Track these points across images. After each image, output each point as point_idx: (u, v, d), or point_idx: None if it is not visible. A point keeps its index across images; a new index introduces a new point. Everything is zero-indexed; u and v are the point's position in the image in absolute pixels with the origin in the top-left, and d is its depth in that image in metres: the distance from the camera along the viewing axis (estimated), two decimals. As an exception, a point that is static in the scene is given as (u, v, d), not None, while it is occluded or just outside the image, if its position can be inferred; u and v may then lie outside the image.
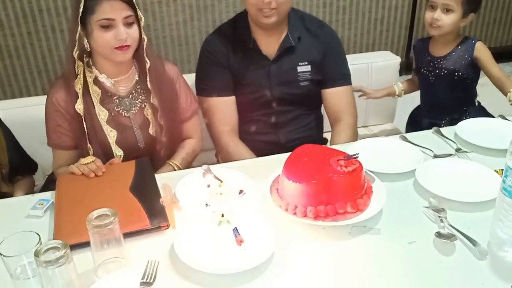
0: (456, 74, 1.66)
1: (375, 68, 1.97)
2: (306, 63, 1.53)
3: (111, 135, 1.32)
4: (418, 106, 1.89)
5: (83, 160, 1.20)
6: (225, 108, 1.53)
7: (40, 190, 1.42)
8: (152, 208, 1.04)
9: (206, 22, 3.00)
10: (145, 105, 1.36)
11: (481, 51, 1.64)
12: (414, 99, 1.95)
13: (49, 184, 1.42)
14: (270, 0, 1.36)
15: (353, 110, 1.60)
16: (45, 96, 1.32)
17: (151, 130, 1.36)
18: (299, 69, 1.53)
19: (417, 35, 3.45)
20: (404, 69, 3.28)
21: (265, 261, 0.89)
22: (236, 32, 1.52)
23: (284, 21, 1.48)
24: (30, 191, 1.41)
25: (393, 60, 2.02)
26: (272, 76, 1.52)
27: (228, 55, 1.51)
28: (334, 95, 1.58)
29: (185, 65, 3.08)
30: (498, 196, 0.90)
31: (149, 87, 1.32)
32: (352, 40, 3.35)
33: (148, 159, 1.28)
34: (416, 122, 1.86)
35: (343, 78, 1.59)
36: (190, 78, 1.56)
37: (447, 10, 1.60)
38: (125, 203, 1.06)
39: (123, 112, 1.33)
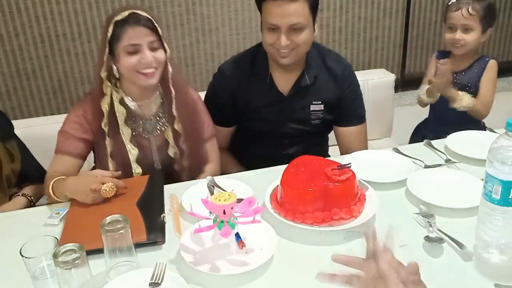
0: (467, 89, 1.67)
1: (370, 85, 2.03)
2: (320, 102, 1.49)
3: (133, 152, 1.35)
4: (425, 119, 1.90)
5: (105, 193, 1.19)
6: (219, 134, 1.53)
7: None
8: (152, 224, 1.09)
9: (211, 44, 3.13)
10: (166, 127, 1.39)
11: (489, 69, 1.66)
12: (412, 114, 2.00)
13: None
14: (287, 43, 1.33)
15: (364, 148, 1.58)
16: (58, 116, 1.40)
17: (170, 151, 1.39)
18: (312, 107, 1.50)
19: (411, 54, 3.55)
20: (400, 86, 3.38)
21: (265, 262, 0.95)
22: (254, 65, 1.50)
23: (302, 59, 1.44)
24: (37, 193, 1.44)
25: (388, 77, 2.09)
26: (284, 113, 1.50)
27: (240, 89, 1.49)
28: (347, 134, 1.56)
29: (191, 84, 3.19)
30: (480, 201, 0.96)
31: (174, 113, 1.37)
32: (348, 59, 3.39)
33: (161, 173, 1.33)
34: (420, 135, 1.85)
35: (358, 118, 1.56)
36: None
37: (467, 29, 1.62)
38: (129, 216, 1.08)
39: (143, 133, 1.38)
